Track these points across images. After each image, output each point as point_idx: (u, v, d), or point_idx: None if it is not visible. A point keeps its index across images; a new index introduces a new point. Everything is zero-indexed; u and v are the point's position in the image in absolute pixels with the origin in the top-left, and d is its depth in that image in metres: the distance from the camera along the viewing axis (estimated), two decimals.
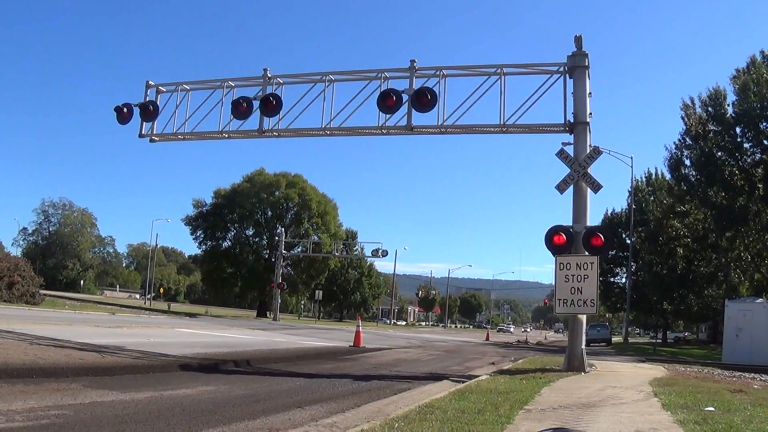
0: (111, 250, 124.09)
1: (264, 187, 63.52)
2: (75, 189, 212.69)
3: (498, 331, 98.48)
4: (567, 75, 14.59)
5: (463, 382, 11.04)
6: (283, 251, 56.63)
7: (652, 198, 51.75)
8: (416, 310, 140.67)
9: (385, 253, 54.74)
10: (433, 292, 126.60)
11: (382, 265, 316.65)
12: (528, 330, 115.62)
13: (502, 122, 15.02)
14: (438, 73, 15.62)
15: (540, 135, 15.97)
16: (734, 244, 37.32)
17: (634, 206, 49.40)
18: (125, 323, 24.29)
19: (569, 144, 14.70)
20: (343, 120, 16.40)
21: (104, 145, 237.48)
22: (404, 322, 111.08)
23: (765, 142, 34.14)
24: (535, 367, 14.66)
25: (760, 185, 33.73)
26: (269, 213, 65.46)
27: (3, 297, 33.61)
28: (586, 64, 14.33)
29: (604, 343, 47.52)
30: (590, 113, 14.27)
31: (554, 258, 13.29)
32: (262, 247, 66.05)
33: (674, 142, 39.00)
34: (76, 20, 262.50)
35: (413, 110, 15.23)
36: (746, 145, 35.14)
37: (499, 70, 15.32)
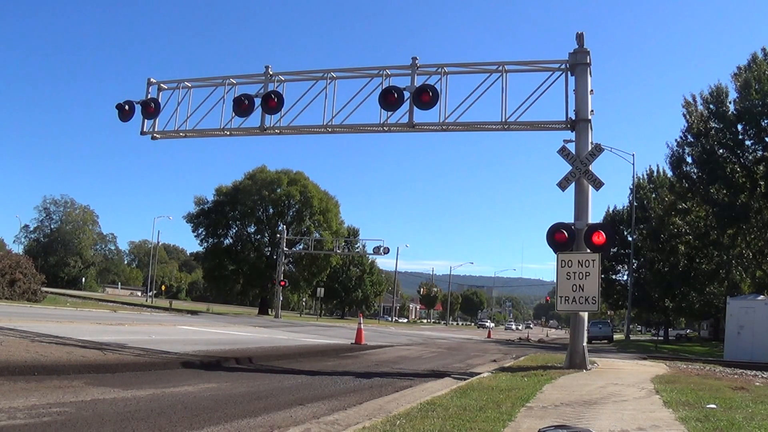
0: (113, 248, 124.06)
1: (266, 185, 63.54)
2: (77, 186, 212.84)
3: (478, 327, 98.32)
4: (569, 72, 14.57)
5: (465, 379, 11.04)
6: (285, 248, 56.67)
7: (653, 195, 51.64)
8: (418, 307, 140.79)
9: (386, 251, 54.84)
10: (435, 290, 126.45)
11: (384, 263, 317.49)
12: (520, 327, 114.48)
13: (503, 119, 15.00)
14: (440, 70, 15.60)
15: (542, 132, 15.99)
16: (736, 241, 37.25)
17: (635, 203, 49.36)
18: (127, 320, 24.31)
19: (571, 141, 14.70)
20: (344, 117, 16.41)
21: (106, 143, 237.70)
22: (406, 320, 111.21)
23: (766, 139, 34.05)
24: (537, 364, 14.67)
25: (761, 182, 33.65)
26: (271, 210, 65.50)
27: (5, 294, 33.66)
28: (588, 61, 14.30)
29: (605, 341, 47.57)
30: (592, 110, 14.26)
31: (556, 255, 13.29)
32: (264, 245, 66.10)
33: (676, 140, 38.97)
34: (77, 17, 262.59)
35: (415, 108, 15.23)
36: (748, 143, 35.06)
37: (500, 68, 15.31)
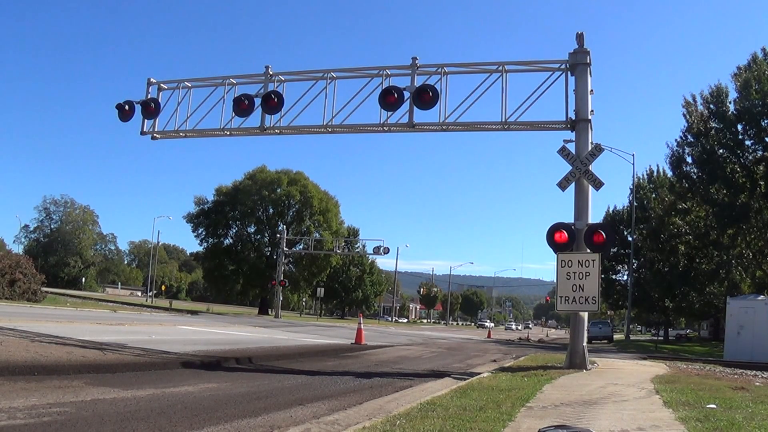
0: (113, 248, 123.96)
1: (266, 185, 63.52)
2: (77, 186, 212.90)
3: (478, 327, 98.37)
4: (569, 72, 14.57)
5: (465, 379, 11.03)
6: (285, 248, 56.67)
7: (653, 195, 51.64)
8: (418, 307, 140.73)
9: (386, 251, 54.83)
10: (435, 290, 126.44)
11: (384, 263, 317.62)
12: (519, 327, 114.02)
13: (503, 119, 15.00)
14: (440, 70, 15.60)
15: (542, 132, 16.00)
16: (736, 241, 37.24)
17: (635, 203, 49.35)
18: (127, 320, 24.31)
19: (571, 141, 14.70)
20: (344, 117, 16.40)
21: (106, 143, 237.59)
22: (406, 320, 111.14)
23: (766, 139, 34.04)
24: (537, 364, 14.67)
25: (761, 182, 33.65)
26: (271, 210, 65.48)
27: (5, 294, 33.66)
28: (588, 61, 14.30)
29: (605, 341, 47.58)
30: (592, 110, 14.26)
31: (556, 255, 13.28)
32: (264, 245, 66.08)
33: (676, 140, 38.99)
34: (77, 17, 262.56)
35: (415, 108, 15.22)
36: (747, 143, 35.07)
37: (500, 68, 15.31)
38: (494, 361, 18.73)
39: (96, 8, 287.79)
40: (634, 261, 49.22)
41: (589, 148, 13.90)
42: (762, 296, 27.50)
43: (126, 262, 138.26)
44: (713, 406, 7.81)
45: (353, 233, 78.69)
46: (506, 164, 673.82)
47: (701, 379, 12.38)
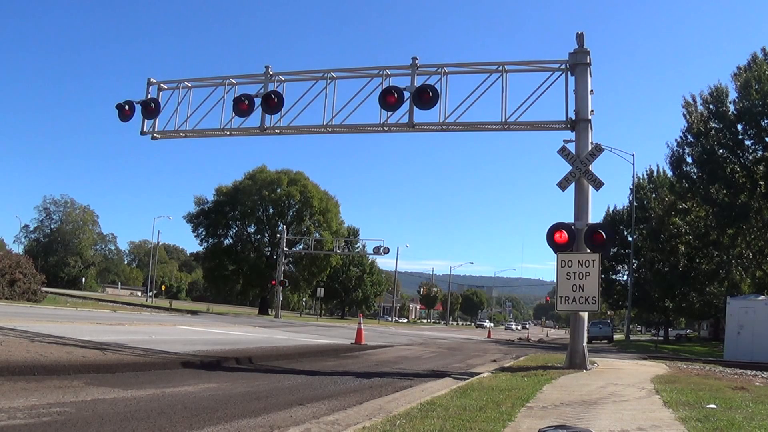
0: (113, 248, 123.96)
1: (266, 185, 63.54)
2: (77, 186, 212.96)
3: (477, 327, 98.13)
4: (569, 72, 14.58)
5: (465, 379, 11.03)
6: (285, 248, 56.67)
7: (653, 195, 51.68)
8: (418, 307, 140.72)
9: (386, 251, 54.84)
10: (435, 290, 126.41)
11: (384, 263, 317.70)
12: (518, 327, 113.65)
13: (503, 119, 15.01)
14: (440, 70, 15.60)
15: (542, 132, 16.01)
16: (736, 241, 37.25)
17: (635, 203, 49.35)
18: (127, 320, 24.30)
19: (571, 141, 14.70)
20: (344, 117, 16.41)
21: (106, 143, 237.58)
22: (406, 320, 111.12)
23: (766, 139, 34.06)
24: (537, 364, 14.67)
25: (761, 182, 33.67)
26: (271, 210, 65.49)
27: (5, 294, 33.65)
28: (588, 61, 14.31)
29: (605, 341, 47.54)
30: (592, 110, 14.26)
31: (556, 255, 13.28)
32: (264, 245, 66.11)
33: (676, 140, 39.03)
34: (77, 17, 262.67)
35: (415, 108, 15.23)
36: (747, 143, 35.10)
37: (500, 68, 15.31)
38: (494, 361, 18.73)
39: (96, 8, 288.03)
40: (634, 261, 49.20)
41: (589, 148, 13.90)
42: (762, 296, 27.50)
43: (126, 262, 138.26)
44: (713, 406, 7.81)
45: (353, 233, 78.70)
46: (506, 164, 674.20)
47: (701, 379, 12.38)
